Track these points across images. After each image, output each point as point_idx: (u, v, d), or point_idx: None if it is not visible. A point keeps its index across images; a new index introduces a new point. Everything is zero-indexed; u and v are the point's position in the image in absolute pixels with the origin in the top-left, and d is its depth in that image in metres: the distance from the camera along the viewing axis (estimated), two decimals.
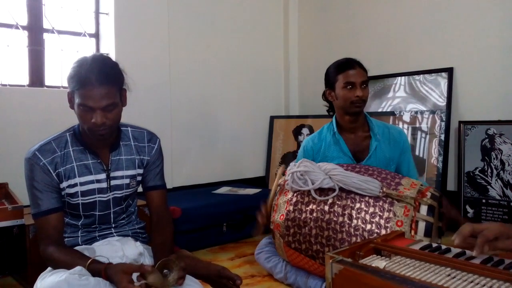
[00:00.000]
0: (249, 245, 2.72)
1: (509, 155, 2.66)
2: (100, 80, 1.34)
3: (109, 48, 3.04)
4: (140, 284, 1.21)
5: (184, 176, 3.37)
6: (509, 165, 2.66)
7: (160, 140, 1.67)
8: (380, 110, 3.29)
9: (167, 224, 1.59)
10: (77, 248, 1.44)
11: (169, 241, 1.56)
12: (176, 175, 3.28)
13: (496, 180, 2.70)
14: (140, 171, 1.60)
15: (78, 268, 1.28)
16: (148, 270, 1.23)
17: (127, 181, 1.55)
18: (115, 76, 1.42)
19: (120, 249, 1.48)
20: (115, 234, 1.56)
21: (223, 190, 3.25)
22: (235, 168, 3.71)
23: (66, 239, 1.49)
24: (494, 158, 2.71)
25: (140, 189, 1.65)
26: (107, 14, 3.06)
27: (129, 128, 1.61)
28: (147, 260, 1.54)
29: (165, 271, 1.27)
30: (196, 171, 3.45)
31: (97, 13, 3.08)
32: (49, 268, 1.40)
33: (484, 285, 0.97)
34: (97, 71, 1.35)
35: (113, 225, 1.57)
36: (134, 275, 1.25)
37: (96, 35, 3.10)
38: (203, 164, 3.49)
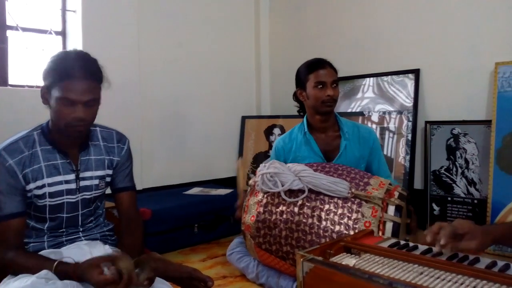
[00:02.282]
0: (220, 245, 2.71)
1: (473, 154, 2.75)
2: (85, 74, 1.34)
3: (76, 46, 2.96)
4: (112, 272, 1.18)
5: (155, 177, 3.32)
6: (473, 163, 2.75)
7: (130, 140, 1.64)
8: (349, 110, 3.34)
9: (136, 226, 1.57)
10: (43, 252, 1.40)
11: (138, 243, 1.54)
12: (146, 176, 3.23)
13: (461, 178, 2.79)
14: (109, 172, 1.57)
15: (43, 272, 1.24)
16: (116, 255, 1.21)
17: (96, 182, 1.53)
18: (98, 73, 1.41)
19: (89, 253, 1.44)
20: (83, 238, 1.53)
21: (194, 190, 3.22)
22: (206, 168, 3.68)
23: (32, 244, 1.44)
24: (459, 157, 2.80)
25: (108, 190, 1.62)
26: (74, 11, 2.98)
27: (97, 128, 1.58)
28: None
29: (136, 270, 1.24)
30: (167, 172, 3.41)
31: (64, 10, 3.00)
32: (10, 275, 1.35)
33: (450, 281, 1.00)
34: (83, 65, 1.34)
35: (81, 229, 1.53)
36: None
37: (63, 33, 3.02)
38: (174, 164, 3.45)
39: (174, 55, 3.42)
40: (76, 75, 1.32)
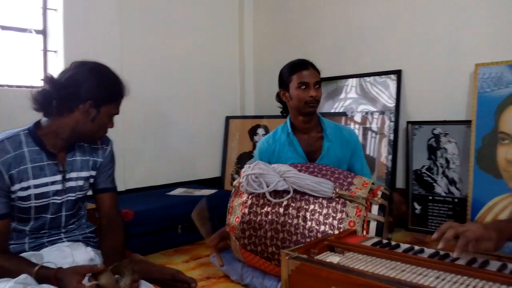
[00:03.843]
0: (204, 246, 2.70)
1: (454, 154, 2.79)
2: None
3: (57, 46, 2.92)
4: (91, 285, 1.16)
5: (137, 178, 3.29)
6: (453, 163, 2.79)
7: (112, 141, 1.63)
8: (332, 111, 3.36)
9: (118, 228, 1.55)
10: (23, 254, 1.37)
11: (120, 245, 1.52)
12: (129, 177, 3.20)
13: (441, 177, 2.83)
14: (93, 173, 1.56)
15: (22, 276, 1.21)
16: (100, 269, 1.19)
17: (81, 183, 1.51)
18: None
19: (70, 255, 1.42)
20: (64, 239, 1.50)
21: (178, 191, 3.20)
22: (190, 169, 3.67)
23: (12, 245, 1.41)
24: (439, 157, 2.84)
25: (90, 192, 1.60)
26: (55, 10, 2.93)
27: None
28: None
29: (116, 276, 1.23)
30: (150, 173, 3.38)
31: (45, 8, 2.94)
32: None
33: (431, 277, 1.01)
34: None
35: (63, 230, 1.51)
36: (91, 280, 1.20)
37: (44, 32, 2.96)
38: (157, 165, 3.42)
39: (157, 55, 3.40)
40: None
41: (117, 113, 1.52)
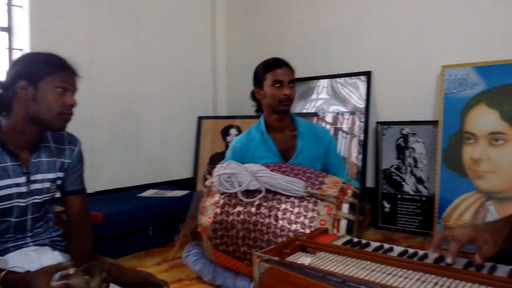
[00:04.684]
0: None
1: (421, 153, 2.86)
2: None
3: (23, 43, 2.83)
4: (59, 284, 1.13)
5: (107, 179, 3.22)
6: (421, 162, 2.86)
7: (80, 141, 1.59)
8: (304, 111, 3.39)
9: (87, 231, 1.52)
10: None
11: (89, 249, 1.49)
12: (98, 178, 3.13)
13: (410, 176, 2.90)
14: (61, 174, 1.52)
15: None
16: (67, 266, 1.17)
17: (47, 185, 1.47)
18: None
19: (36, 260, 1.38)
20: (31, 243, 1.46)
21: (148, 193, 3.15)
22: (161, 170, 3.62)
23: None
24: (408, 156, 2.91)
25: (57, 194, 1.56)
26: (21, 6, 2.84)
27: None
28: None
29: (86, 277, 1.20)
30: (120, 174, 3.31)
31: (10, 5, 2.84)
32: None
33: (401, 276, 1.03)
34: None
35: (29, 234, 1.46)
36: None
37: (9, 29, 2.86)
38: (127, 166, 3.36)
39: (127, 53, 3.34)
40: None
41: (64, 87, 1.41)
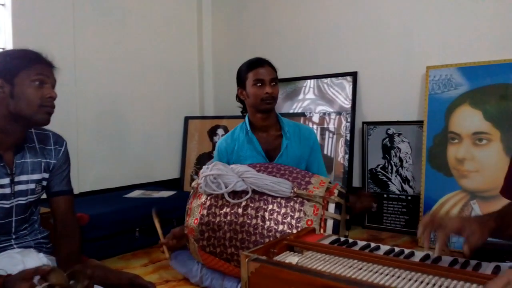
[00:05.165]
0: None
1: (407, 153, 2.90)
2: None
3: (5, 43, 2.77)
4: (41, 287, 1.12)
5: (92, 180, 3.18)
6: (406, 162, 2.89)
7: (66, 142, 1.57)
8: (291, 111, 3.40)
9: (73, 232, 1.50)
10: None
11: (76, 251, 1.47)
12: (83, 179, 3.09)
13: (395, 176, 2.93)
14: (46, 175, 1.49)
15: None
16: (46, 270, 1.14)
17: (32, 186, 1.45)
18: None
19: (20, 262, 1.36)
20: (15, 245, 1.44)
21: (135, 193, 3.13)
22: (148, 170, 3.59)
23: None
24: (393, 156, 2.94)
25: (43, 195, 1.54)
26: (3, 5, 2.79)
27: (33, 130, 1.50)
28: None
29: (71, 282, 1.19)
30: (106, 175, 3.28)
31: None
32: None
33: (387, 274, 1.04)
34: None
35: (14, 236, 1.44)
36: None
37: None
38: (113, 166, 3.32)
39: (113, 53, 3.30)
40: None
41: (41, 80, 1.39)
